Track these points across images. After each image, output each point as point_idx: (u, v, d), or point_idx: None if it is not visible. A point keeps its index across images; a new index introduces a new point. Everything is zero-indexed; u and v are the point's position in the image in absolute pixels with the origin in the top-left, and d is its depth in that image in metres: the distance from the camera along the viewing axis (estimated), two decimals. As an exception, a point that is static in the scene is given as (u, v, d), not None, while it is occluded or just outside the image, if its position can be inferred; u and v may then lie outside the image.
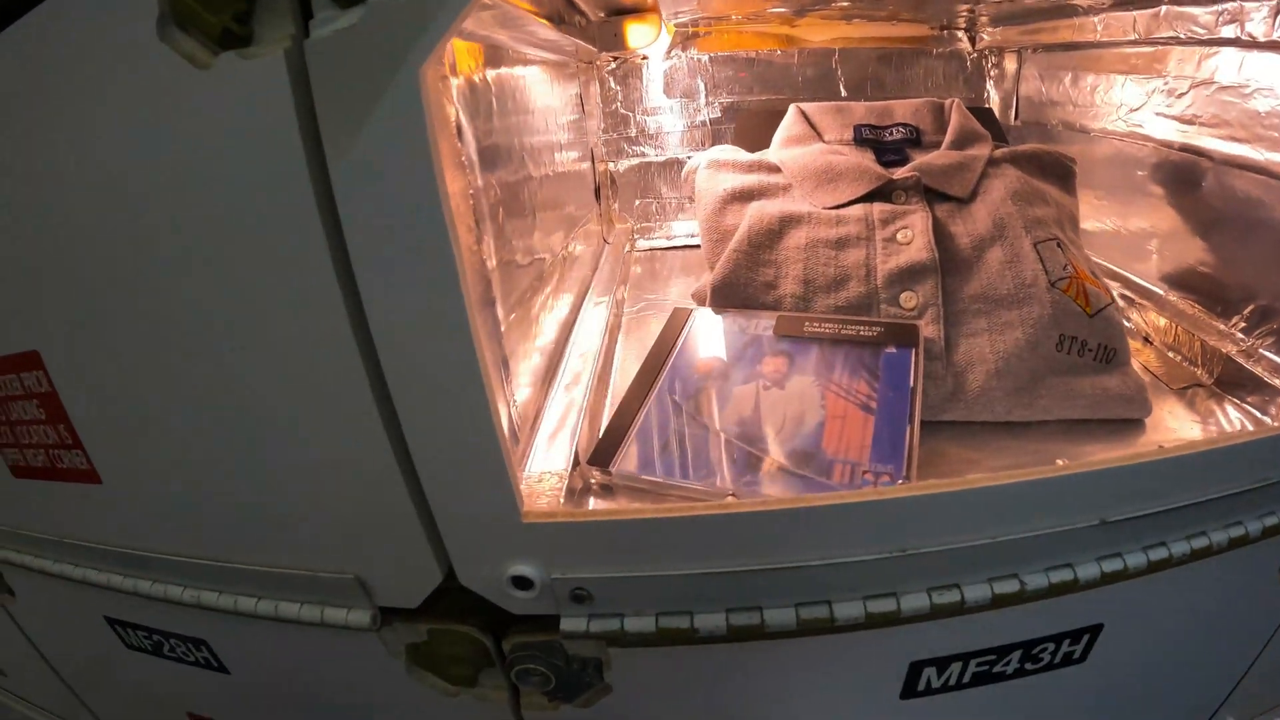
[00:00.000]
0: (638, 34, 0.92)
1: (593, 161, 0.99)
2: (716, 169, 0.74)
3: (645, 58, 0.97)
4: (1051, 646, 0.47)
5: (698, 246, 0.97)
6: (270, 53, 0.30)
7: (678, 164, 1.02)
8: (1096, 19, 0.78)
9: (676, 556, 0.39)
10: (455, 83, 0.45)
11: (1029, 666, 0.48)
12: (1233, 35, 0.62)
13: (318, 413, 0.39)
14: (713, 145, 0.93)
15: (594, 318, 0.73)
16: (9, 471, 0.57)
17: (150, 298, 0.40)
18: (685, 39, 0.96)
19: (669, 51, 0.96)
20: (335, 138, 0.31)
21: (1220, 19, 0.63)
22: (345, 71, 0.30)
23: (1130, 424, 0.56)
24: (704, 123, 1.00)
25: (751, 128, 0.87)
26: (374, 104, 0.30)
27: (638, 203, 1.05)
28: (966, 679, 0.48)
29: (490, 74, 0.53)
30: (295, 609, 0.47)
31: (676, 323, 0.62)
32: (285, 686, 0.59)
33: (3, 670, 0.94)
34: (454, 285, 0.33)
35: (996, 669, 0.48)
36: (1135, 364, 0.60)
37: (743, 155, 0.76)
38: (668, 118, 1.01)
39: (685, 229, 1.04)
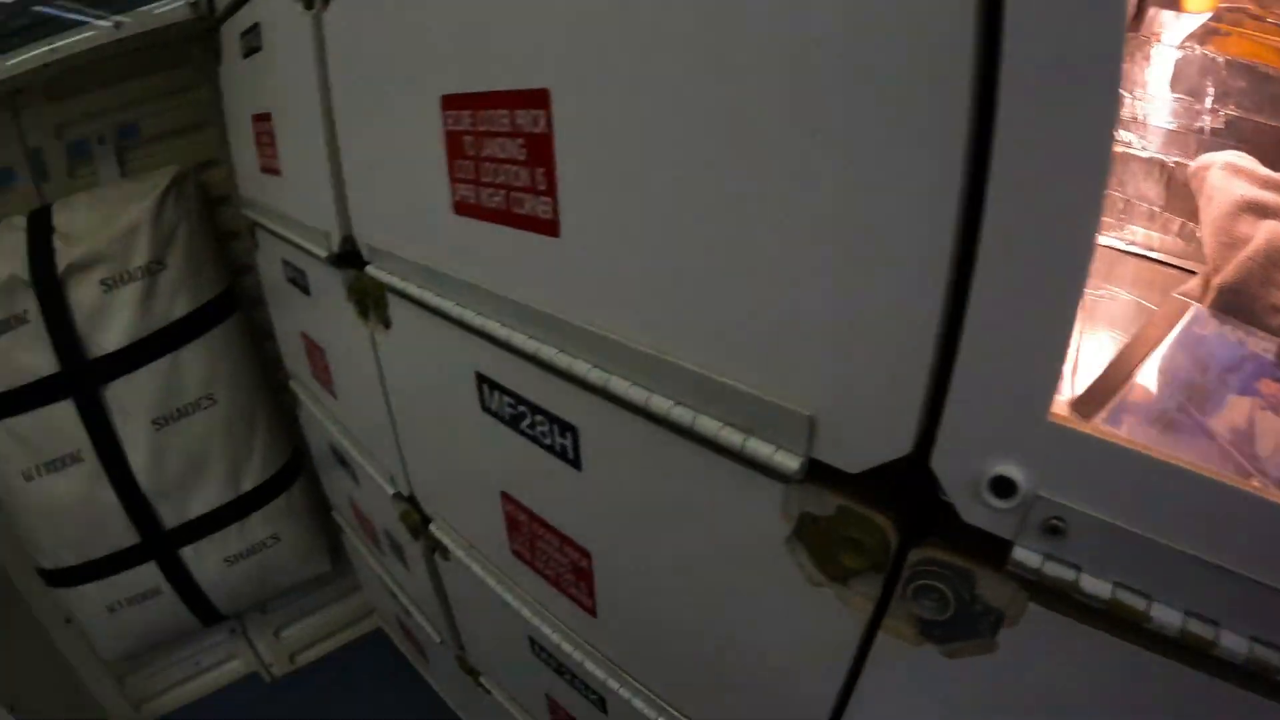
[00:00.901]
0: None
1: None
2: (1234, 173, 0.65)
3: (1157, 37, 0.86)
4: None
5: (1156, 261, 0.84)
6: None
7: (1159, 165, 0.89)
8: None
9: (1195, 534, 0.32)
10: None
11: None
12: None
13: (873, 219, 0.35)
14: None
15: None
16: (450, 208, 0.58)
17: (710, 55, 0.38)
18: (1205, 32, 0.84)
19: (1184, 40, 0.85)
20: None
21: None
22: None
23: None
24: (1201, 129, 0.86)
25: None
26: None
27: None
28: None
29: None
30: (715, 427, 0.44)
31: (1171, 311, 0.55)
32: (630, 507, 0.57)
33: (337, 395, 1.03)
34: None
35: None
36: None
37: (1261, 169, 0.66)
38: (1161, 112, 0.88)
39: (1147, 239, 0.89)
